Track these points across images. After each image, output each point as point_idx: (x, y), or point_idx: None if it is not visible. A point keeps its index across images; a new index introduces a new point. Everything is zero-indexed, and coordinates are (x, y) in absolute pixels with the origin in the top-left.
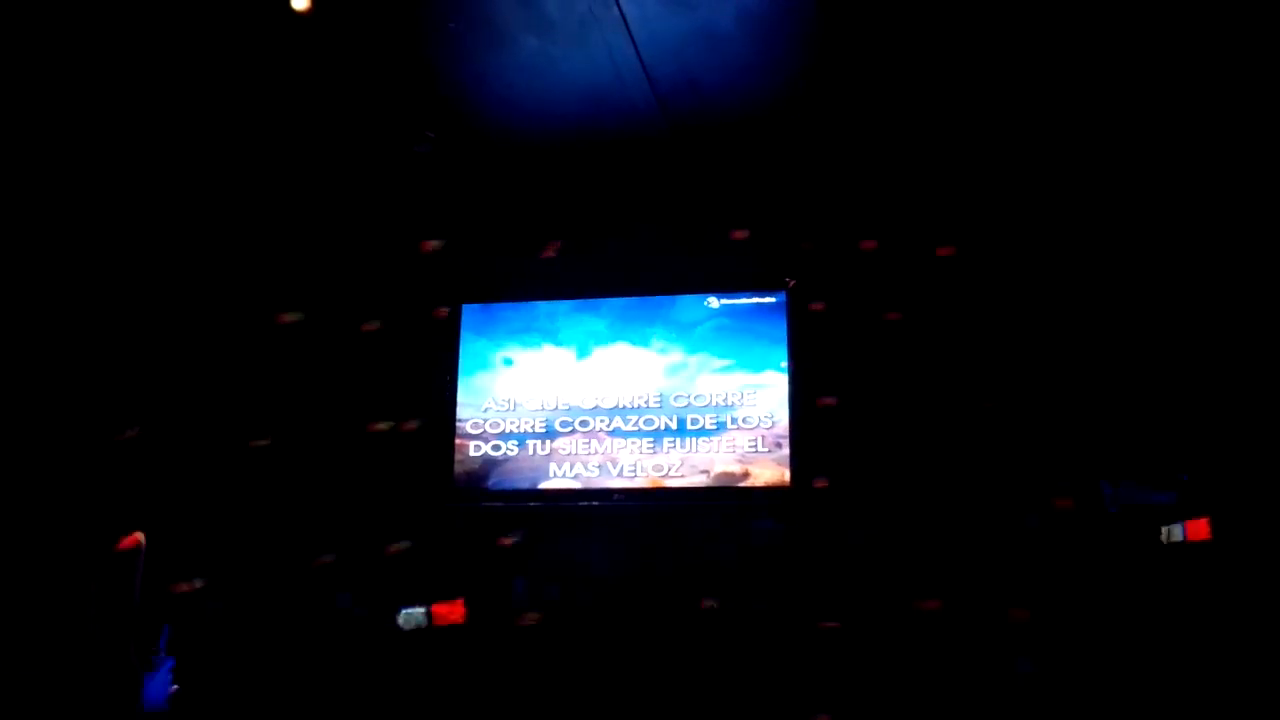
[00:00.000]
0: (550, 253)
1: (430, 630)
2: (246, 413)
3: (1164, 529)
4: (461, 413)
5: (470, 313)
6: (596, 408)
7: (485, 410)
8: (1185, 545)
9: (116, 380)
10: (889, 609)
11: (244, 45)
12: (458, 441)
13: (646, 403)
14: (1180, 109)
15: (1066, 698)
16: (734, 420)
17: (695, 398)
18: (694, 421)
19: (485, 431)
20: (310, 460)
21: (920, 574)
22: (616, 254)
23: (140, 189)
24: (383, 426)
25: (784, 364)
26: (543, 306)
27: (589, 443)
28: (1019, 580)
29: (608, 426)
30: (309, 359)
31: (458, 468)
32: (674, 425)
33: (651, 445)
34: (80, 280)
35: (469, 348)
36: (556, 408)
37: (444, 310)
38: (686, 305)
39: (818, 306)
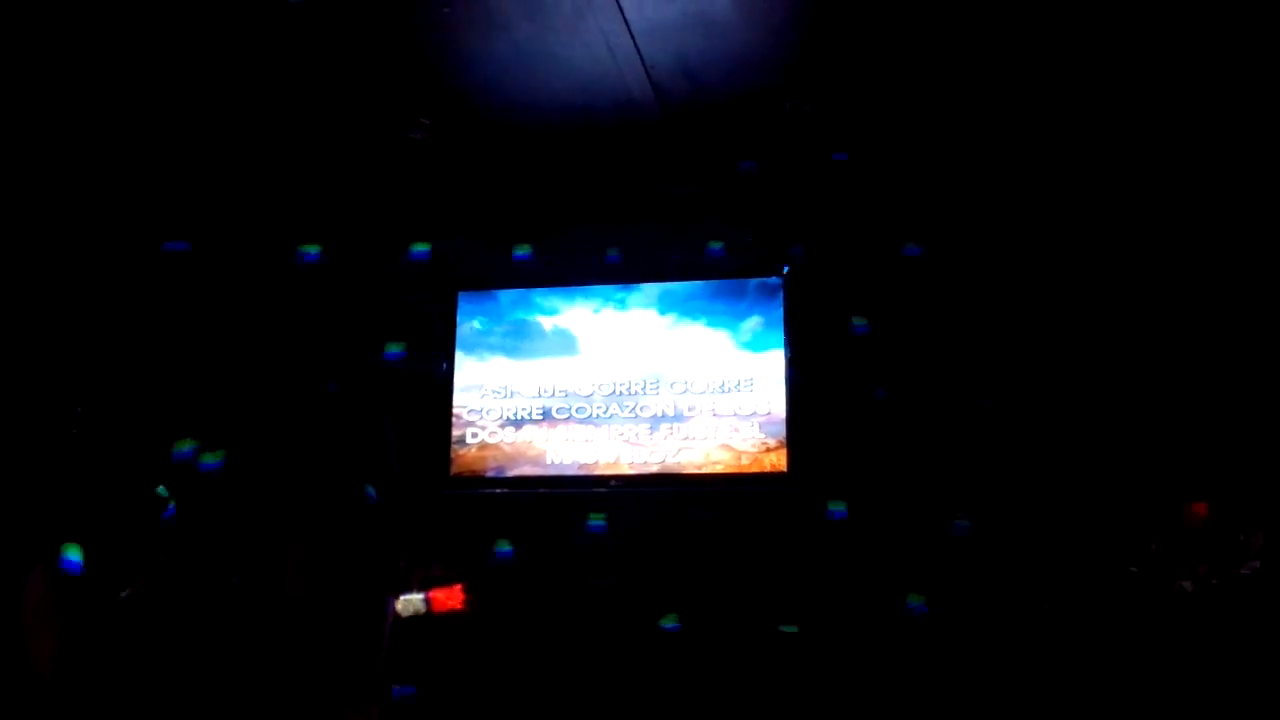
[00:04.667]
0: (545, 239)
1: (429, 617)
2: (239, 401)
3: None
4: (458, 400)
5: (465, 300)
6: (593, 394)
7: (482, 397)
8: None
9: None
10: (884, 598)
11: (231, 26)
12: (454, 429)
13: (644, 389)
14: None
15: (1063, 689)
16: (731, 406)
17: (691, 383)
18: (691, 407)
19: (482, 419)
20: (304, 450)
21: (916, 562)
22: (610, 240)
23: (137, 184)
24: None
25: (781, 349)
26: (538, 293)
27: (585, 429)
28: (1014, 571)
29: (604, 412)
30: (301, 346)
31: (454, 455)
32: (670, 411)
33: (648, 430)
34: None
35: (464, 335)
36: (553, 394)
37: (439, 297)
38: (684, 291)
39: (815, 291)
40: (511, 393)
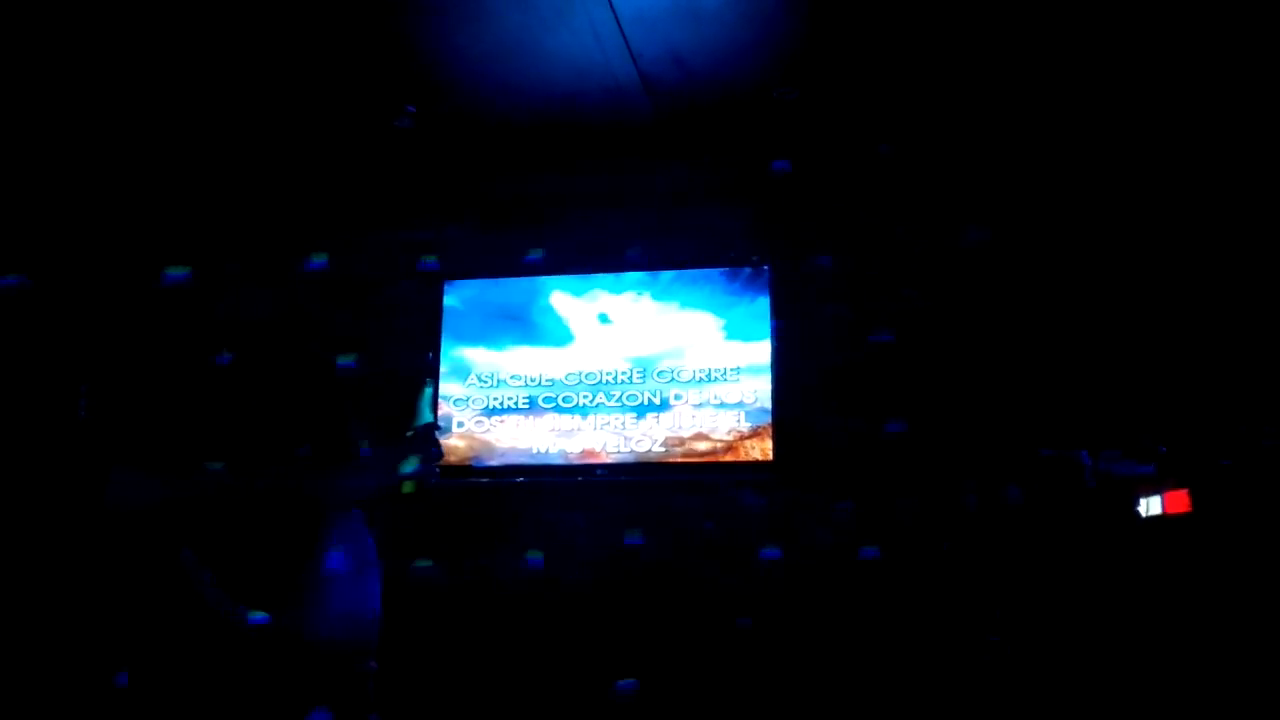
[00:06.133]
0: (532, 228)
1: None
2: (222, 402)
3: (1142, 501)
4: (443, 389)
5: (451, 289)
6: (580, 383)
7: (467, 386)
8: (1164, 519)
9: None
10: (866, 588)
11: (210, 12)
12: (440, 419)
13: (630, 378)
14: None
15: (1041, 677)
16: (716, 395)
17: (678, 372)
18: (677, 396)
19: (467, 407)
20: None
21: (899, 551)
22: (597, 230)
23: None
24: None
25: (768, 339)
26: (524, 283)
27: (570, 418)
28: (997, 555)
29: (590, 401)
30: (290, 337)
31: (441, 444)
32: (657, 400)
33: (634, 419)
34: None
35: (450, 323)
36: (539, 382)
37: (426, 287)
38: (671, 280)
39: (802, 281)
40: (497, 381)
